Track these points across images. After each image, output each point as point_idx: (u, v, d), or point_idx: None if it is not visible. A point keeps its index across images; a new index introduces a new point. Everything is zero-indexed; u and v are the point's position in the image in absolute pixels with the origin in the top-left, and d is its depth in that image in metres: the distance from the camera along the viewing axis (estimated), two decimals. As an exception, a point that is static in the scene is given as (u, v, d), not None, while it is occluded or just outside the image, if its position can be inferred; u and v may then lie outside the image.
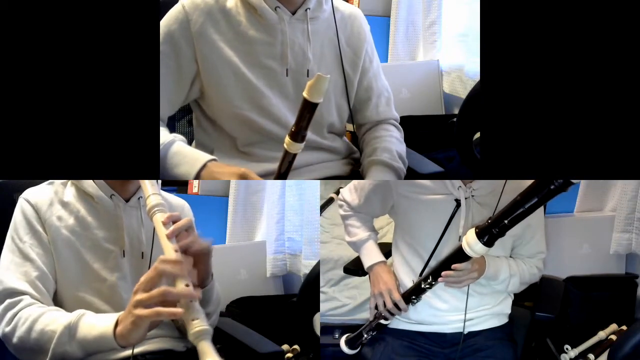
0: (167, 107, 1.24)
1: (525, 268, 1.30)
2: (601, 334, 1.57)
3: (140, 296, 0.92)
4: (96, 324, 0.98)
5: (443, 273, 1.18)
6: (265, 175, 1.25)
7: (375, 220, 1.45)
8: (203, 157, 1.15)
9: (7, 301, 1.04)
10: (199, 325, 0.90)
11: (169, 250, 0.97)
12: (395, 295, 1.27)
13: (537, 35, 1.03)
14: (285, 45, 1.23)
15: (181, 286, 0.93)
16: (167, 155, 1.16)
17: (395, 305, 1.27)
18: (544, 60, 1.03)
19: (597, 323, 1.60)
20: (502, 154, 1.06)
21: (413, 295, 1.25)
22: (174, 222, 1.02)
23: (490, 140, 1.06)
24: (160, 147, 1.15)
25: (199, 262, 1.03)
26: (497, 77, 1.04)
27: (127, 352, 1.03)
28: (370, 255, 1.37)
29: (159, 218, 1.02)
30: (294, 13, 1.23)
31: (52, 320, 1.00)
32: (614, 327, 1.59)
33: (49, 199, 1.13)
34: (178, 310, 0.91)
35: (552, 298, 1.62)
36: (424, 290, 1.24)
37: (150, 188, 1.07)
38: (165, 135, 1.18)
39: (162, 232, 1.00)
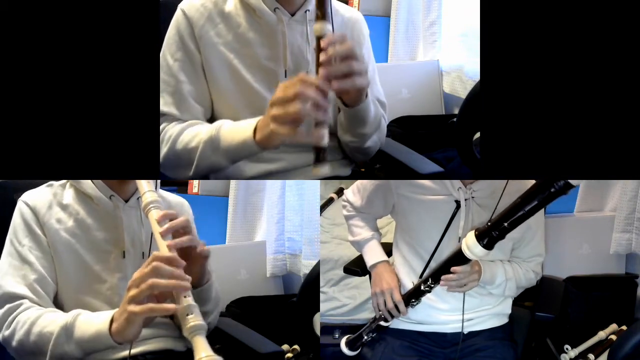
0: (201, 110, 1.21)
1: (520, 272, 1.30)
2: (601, 334, 1.57)
3: (133, 292, 0.92)
4: (92, 322, 0.98)
5: (443, 277, 1.18)
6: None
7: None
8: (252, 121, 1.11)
9: (7, 306, 1.05)
10: (193, 320, 0.90)
11: (164, 248, 0.97)
12: (397, 295, 1.27)
13: (537, 35, 1.02)
14: (284, 47, 1.22)
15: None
16: (219, 134, 1.13)
17: (396, 306, 1.27)
18: (543, 60, 1.03)
19: (597, 323, 1.60)
20: (502, 154, 1.06)
21: (412, 297, 1.25)
22: (170, 220, 1.02)
23: (490, 140, 1.06)
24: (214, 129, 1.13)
25: (194, 264, 1.03)
26: (497, 77, 1.04)
27: (127, 352, 1.02)
28: (373, 254, 1.38)
29: (154, 215, 1.02)
30: (293, 14, 1.23)
31: (49, 322, 1.01)
32: (614, 327, 1.59)
33: (47, 202, 1.13)
34: (170, 306, 0.91)
35: (552, 298, 1.61)
36: (423, 293, 1.23)
37: (145, 185, 1.07)
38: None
39: (157, 229, 1.00)
